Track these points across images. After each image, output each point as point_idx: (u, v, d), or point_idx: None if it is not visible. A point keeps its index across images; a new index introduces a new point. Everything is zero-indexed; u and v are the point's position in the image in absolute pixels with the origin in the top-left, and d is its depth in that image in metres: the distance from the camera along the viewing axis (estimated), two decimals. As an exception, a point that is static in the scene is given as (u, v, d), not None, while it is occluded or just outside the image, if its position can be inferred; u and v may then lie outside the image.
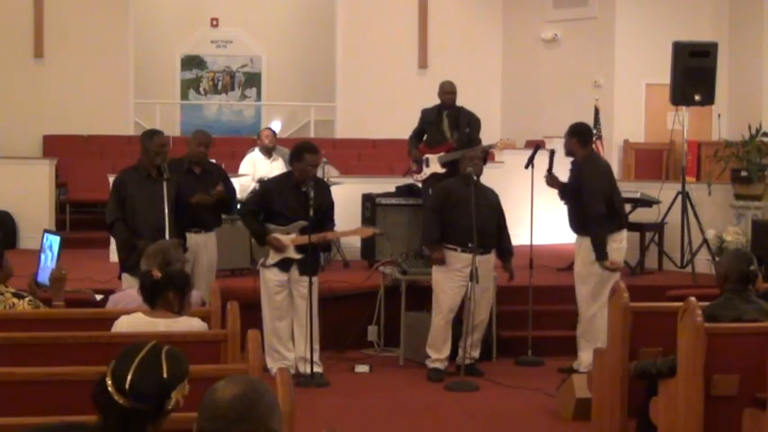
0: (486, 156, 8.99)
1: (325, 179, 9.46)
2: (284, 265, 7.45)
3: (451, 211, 7.70)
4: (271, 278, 7.48)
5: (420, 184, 9.51)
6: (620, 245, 7.76)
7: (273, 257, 7.44)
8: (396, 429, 6.59)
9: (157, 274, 4.54)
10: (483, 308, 7.71)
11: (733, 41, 13.34)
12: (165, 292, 4.52)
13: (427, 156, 9.27)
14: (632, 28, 13.46)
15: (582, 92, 13.48)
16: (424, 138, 9.38)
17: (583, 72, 13.77)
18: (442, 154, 9.17)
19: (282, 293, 7.49)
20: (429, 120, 9.33)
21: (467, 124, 9.16)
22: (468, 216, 7.52)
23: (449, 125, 9.21)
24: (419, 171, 9.36)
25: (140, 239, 6.78)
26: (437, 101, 9.33)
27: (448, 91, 9.21)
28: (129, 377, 2.59)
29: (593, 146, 7.69)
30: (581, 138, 7.77)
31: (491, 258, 7.86)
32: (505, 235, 7.93)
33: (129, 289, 5.53)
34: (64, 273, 5.36)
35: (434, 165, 9.22)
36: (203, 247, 7.60)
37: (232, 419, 2.40)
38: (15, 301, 5.13)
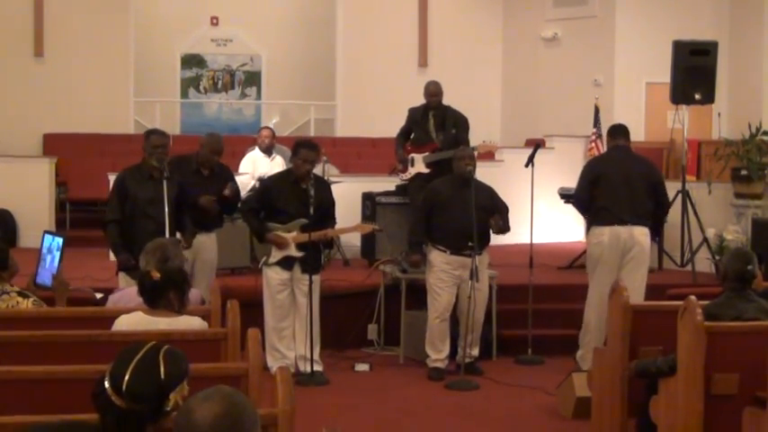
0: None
1: (326, 178, 9.46)
2: (287, 263, 7.45)
3: (441, 212, 7.70)
4: (273, 277, 7.48)
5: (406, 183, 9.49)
6: (599, 239, 7.65)
7: (276, 255, 7.44)
8: (396, 428, 6.58)
9: (156, 275, 4.51)
10: (478, 307, 7.70)
11: (733, 41, 13.33)
12: (166, 292, 4.51)
13: (413, 155, 9.25)
14: (632, 27, 13.45)
15: (582, 91, 13.48)
16: (411, 137, 9.36)
17: (583, 71, 13.76)
18: (426, 154, 9.14)
19: (285, 292, 7.49)
20: (415, 119, 9.28)
21: (453, 125, 9.11)
22: (457, 218, 7.56)
23: (434, 125, 9.16)
24: (404, 170, 9.35)
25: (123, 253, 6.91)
26: (437, 100, 9.31)
27: (432, 93, 9.12)
28: (126, 378, 2.57)
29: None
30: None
31: (485, 258, 7.85)
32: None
33: (129, 288, 5.52)
34: (68, 282, 5.40)
35: (419, 165, 9.19)
36: (203, 247, 7.59)
37: None
38: (20, 299, 5.13)
